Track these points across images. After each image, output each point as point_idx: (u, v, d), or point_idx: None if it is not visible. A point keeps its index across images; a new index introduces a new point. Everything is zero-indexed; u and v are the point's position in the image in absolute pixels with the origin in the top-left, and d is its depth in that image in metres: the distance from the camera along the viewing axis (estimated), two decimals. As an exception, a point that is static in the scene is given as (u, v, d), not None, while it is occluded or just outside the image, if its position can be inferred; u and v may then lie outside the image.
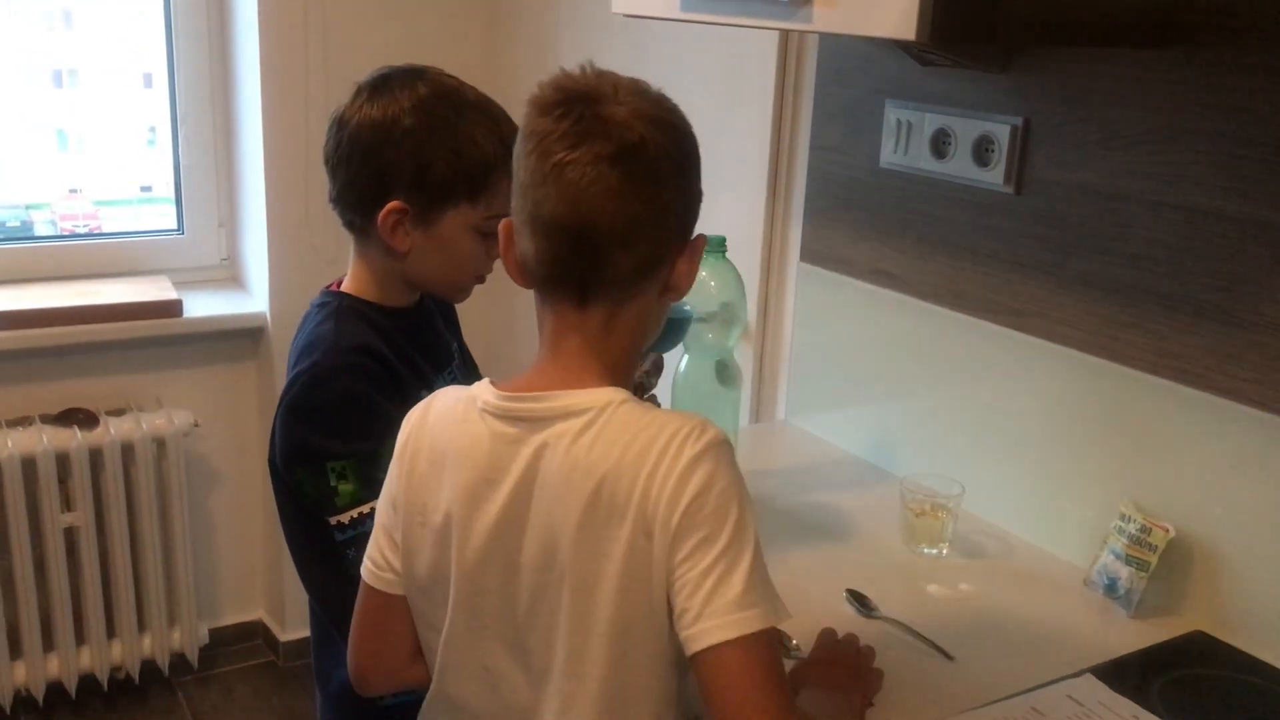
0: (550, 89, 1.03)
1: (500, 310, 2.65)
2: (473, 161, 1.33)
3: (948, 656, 1.36)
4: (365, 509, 1.28)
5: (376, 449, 1.26)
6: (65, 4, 2.89)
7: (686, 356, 1.73)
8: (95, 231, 2.97)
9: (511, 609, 1.07)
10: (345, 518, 1.30)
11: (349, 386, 1.31)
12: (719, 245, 1.69)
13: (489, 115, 1.36)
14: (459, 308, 1.58)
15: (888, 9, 1.22)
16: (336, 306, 1.39)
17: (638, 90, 1.04)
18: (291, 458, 1.34)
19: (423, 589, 1.13)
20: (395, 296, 1.42)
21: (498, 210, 1.32)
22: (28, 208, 2.95)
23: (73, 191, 3.01)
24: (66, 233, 2.95)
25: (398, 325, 1.41)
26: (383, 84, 1.35)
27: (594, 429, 1.02)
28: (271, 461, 1.39)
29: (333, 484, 1.30)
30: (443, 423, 1.11)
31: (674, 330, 1.50)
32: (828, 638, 1.33)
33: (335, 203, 1.40)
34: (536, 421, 1.04)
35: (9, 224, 2.92)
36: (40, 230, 2.93)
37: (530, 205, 1.03)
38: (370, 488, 1.25)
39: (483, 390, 1.09)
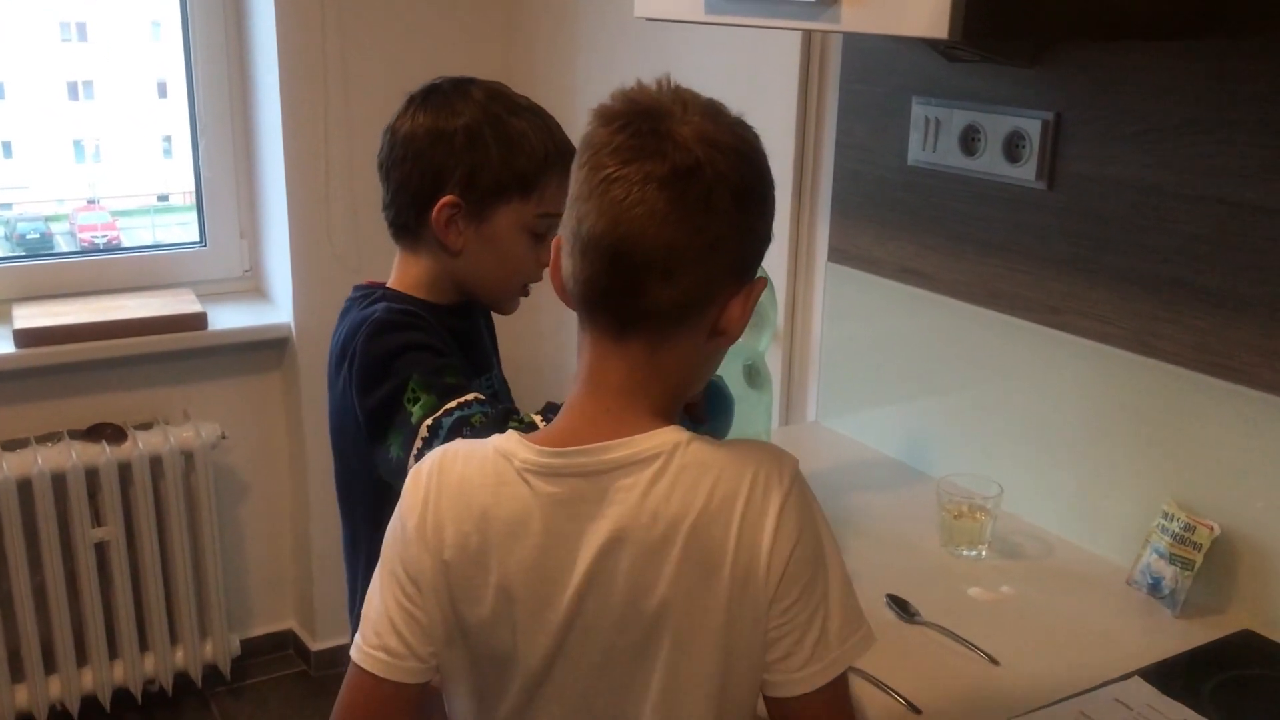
0: (618, 99, 0.97)
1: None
2: (524, 156, 1.35)
3: (993, 661, 1.34)
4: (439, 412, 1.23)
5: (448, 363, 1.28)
6: (80, 15, 2.89)
7: (717, 361, 1.71)
8: (114, 242, 2.98)
9: (580, 672, 1.01)
10: (421, 434, 1.24)
11: (411, 335, 1.30)
12: (748, 248, 1.67)
13: (539, 116, 1.39)
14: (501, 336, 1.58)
15: (919, 8, 1.20)
16: (382, 293, 1.39)
17: (710, 111, 0.96)
18: (369, 382, 1.29)
19: (474, 662, 1.04)
20: (441, 296, 1.41)
21: (549, 209, 1.35)
22: (46, 220, 2.96)
23: (90, 202, 3.01)
24: (85, 244, 2.95)
25: (443, 321, 1.39)
26: (434, 91, 1.38)
27: (668, 476, 0.95)
28: (333, 432, 1.39)
29: (409, 409, 1.24)
30: (471, 489, 1.00)
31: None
32: None
33: (388, 208, 1.40)
34: (594, 476, 0.96)
35: (29, 236, 2.93)
36: (59, 242, 2.94)
37: (574, 220, 0.96)
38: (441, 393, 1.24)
39: (514, 446, 0.99)
